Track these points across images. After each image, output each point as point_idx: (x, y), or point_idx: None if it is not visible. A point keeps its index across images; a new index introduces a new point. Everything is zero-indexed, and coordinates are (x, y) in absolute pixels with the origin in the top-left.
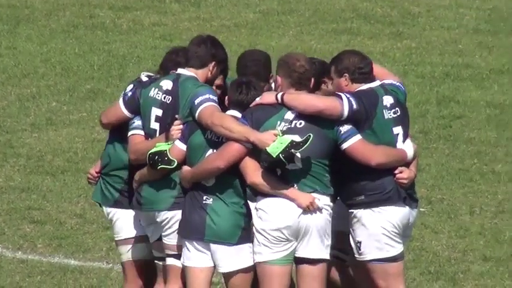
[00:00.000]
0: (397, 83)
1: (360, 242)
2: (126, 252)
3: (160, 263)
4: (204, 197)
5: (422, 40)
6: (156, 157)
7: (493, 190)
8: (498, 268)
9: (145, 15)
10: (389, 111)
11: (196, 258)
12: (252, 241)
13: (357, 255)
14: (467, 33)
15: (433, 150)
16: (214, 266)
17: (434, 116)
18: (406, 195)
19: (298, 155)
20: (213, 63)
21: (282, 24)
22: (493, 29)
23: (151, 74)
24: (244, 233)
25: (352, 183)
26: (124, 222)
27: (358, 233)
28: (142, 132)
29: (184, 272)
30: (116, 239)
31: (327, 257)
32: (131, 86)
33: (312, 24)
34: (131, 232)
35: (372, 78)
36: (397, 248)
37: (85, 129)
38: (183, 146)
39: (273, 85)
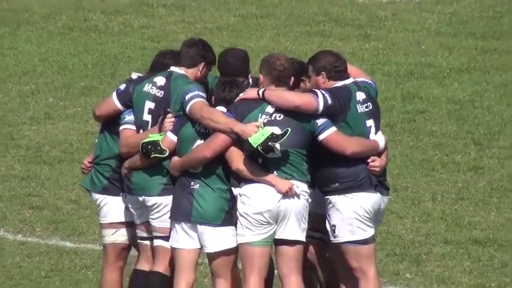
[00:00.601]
0: (370, 81)
1: (335, 226)
2: (110, 235)
3: (144, 242)
4: (192, 183)
5: (388, 41)
6: (150, 146)
7: (453, 179)
8: (458, 250)
9: (134, 18)
10: (362, 106)
11: (184, 240)
12: (234, 224)
13: (332, 238)
14: (430, 35)
15: (398, 142)
16: (200, 248)
17: (399, 111)
18: (378, 182)
19: (278, 146)
20: (203, 63)
21: (260, 27)
22: (453, 31)
23: (141, 74)
24: (228, 216)
25: (328, 172)
26: (111, 207)
27: (333, 217)
28: (133, 127)
29: (172, 253)
30: (102, 222)
31: (303, 239)
32: (126, 83)
33: (287, 27)
34: (116, 217)
35: (346, 76)
36: (368, 232)
37: (79, 122)
38: (174, 137)
39: (250, 80)
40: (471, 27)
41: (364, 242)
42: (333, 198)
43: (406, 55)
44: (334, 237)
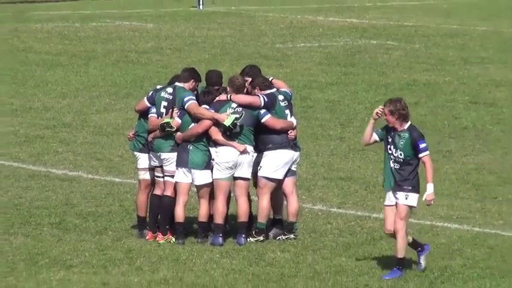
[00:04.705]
0: (288, 90)
1: (261, 166)
2: (142, 175)
3: (159, 179)
4: (188, 146)
5: (292, 68)
6: (165, 124)
7: (328, 144)
8: (331, 183)
9: (153, 55)
10: (282, 102)
11: (183, 177)
12: (211, 169)
13: (259, 173)
14: (315, 65)
15: (299, 124)
16: (191, 182)
17: (298, 106)
18: (293, 144)
19: (238, 126)
20: (192, 80)
21: (222, 60)
22: (328, 62)
23: (161, 86)
24: (207, 164)
25: (266, 139)
26: (142, 159)
27: (263, 161)
28: (155, 115)
29: (176, 185)
30: (138, 167)
31: (249, 176)
32: (152, 91)
33: (238, 60)
34: (145, 164)
35: (272, 87)
36: (281, 174)
37: (123, 113)
38: (179, 121)
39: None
40: (339, 60)
41: (278, 180)
42: (266, 152)
43: (303, 76)
44: (260, 172)
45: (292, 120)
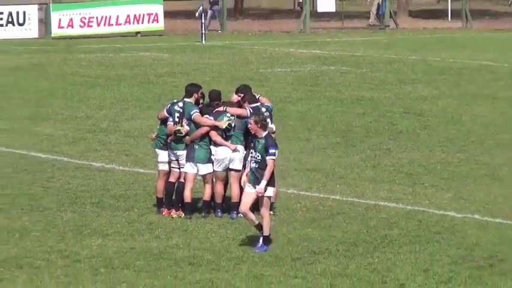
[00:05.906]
0: (269, 104)
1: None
2: (161, 166)
3: (174, 169)
4: (194, 145)
5: (271, 87)
6: (177, 131)
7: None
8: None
9: (168, 78)
10: (265, 113)
11: (191, 169)
12: (212, 163)
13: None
14: (288, 84)
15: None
16: (197, 173)
17: (277, 116)
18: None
19: (232, 124)
20: (194, 93)
21: (215, 82)
22: (298, 82)
23: (176, 100)
24: (209, 159)
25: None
26: (161, 155)
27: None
28: (172, 123)
29: (185, 175)
30: (158, 160)
31: (241, 169)
32: (169, 104)
33: (229, 84)
34: (163, 158)
35: (257, 101)
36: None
37: (146, 120)
38: (188, 128)
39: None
40: (306, 81)
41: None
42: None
43: (279, 93)
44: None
45: (272, 126)
